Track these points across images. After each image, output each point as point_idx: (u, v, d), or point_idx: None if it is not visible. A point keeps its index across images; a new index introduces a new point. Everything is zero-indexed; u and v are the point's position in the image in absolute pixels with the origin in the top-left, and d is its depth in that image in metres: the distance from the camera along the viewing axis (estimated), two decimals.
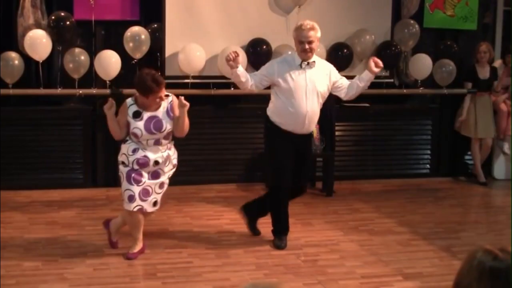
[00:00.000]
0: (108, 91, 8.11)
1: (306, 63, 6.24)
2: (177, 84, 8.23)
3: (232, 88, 8.42)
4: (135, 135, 5.91)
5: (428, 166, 9.53)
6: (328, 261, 6.20)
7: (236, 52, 6.15)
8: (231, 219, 7.39)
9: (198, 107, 8.63)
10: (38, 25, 7.98)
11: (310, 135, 6.61)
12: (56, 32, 7.90)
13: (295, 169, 6.38)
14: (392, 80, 9.04)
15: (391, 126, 9.30)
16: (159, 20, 8.26)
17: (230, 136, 8.78)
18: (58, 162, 8.42)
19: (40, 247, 6.40)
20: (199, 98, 8.51)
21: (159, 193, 6.07)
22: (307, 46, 6.15)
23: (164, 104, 5.96)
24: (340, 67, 8.55)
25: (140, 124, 5.88)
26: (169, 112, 5.97)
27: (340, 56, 8.56)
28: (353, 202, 8.16)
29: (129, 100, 5.99)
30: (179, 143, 8.47)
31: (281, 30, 8.47)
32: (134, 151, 5.92)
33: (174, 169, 6.20)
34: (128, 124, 5.95)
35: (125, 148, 5.99)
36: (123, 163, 5.98)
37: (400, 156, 9.41)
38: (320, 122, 8.42)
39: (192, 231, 6.97)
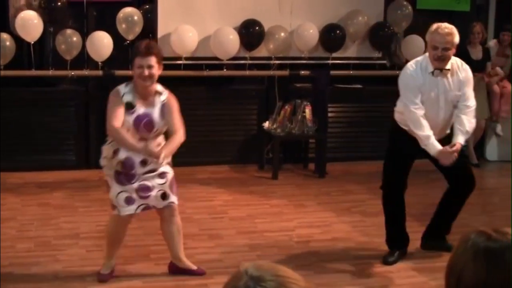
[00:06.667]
0: (100, 72, 8.08)
1: (439, 71, 5.49)
2: (169, 65, 8.20)
3: (225, 69, 8.42)
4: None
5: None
6: (320, 242, 6.22)
7: None
8: (224, 201, 7.40)
9: (190, 88, 8.65)
10: (29, 6, 7.94)
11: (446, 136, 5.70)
12: (48, 13, 7.86)
13: (450, 173, 5.78)
14: (384, 62, 9.03)
15: (384, 107, 9.25)
16: (152, 1, 8.22)
17: (223, 117, 8.77)
18: (51, 143, 8.39)
19: (33, 229, 6.40)
20: (191, 80, 8.51)
21: (163, 183, 5.26)
22: (440, 54, 5.38)
23: (158, 102, 5.24)
24: (333, 49, 8.59)
25: (130, 118, 5.13)
26: (162, 111, 5.24)
27: (333, 37, 8.54)
28: (346, 184, 8.17)
29: (122, 88, 5.18)
30: None
31: (274, 11, 8.43)
32: (115, 152, 5.15)
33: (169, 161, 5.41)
34: None
35: (106, 150, 5.23)
36: (107, 167, 5.24)
37: None
38: (313, 103, 8.49)
39: (185, 213, 6.94)
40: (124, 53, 8.11)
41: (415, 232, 6.31)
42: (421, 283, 5.50)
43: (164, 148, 5.14)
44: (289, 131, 8.44)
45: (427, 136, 5.45)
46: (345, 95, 9.10)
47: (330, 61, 8.69)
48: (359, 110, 9.23)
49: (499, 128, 9.38)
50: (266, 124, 8.48)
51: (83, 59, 8.11)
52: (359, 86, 9.11)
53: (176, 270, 5.48)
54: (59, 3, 7.86)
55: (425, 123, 5.47)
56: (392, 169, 5.84)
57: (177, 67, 8.22)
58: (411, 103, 5.53)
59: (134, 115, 5.14)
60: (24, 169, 8.17)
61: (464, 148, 9.35)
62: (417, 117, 5.49)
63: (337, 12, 8.66)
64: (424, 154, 5.67)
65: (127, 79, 8.39)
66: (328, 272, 5.61)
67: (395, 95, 9.30)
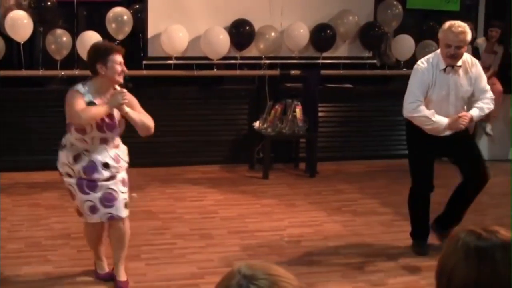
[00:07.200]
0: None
1: (451, 67, 5.62)
2: (160, 65, 8.22)
3: (215, 69, 8.41)
4: (82, 130, 4.98)
5: None
6: (311, 242, 6.22)
7: None
8: (215, 200, 7.39)
9: (181, 88, 8.65)
10: (19, 6, 7.91)
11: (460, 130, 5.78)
12: (38, 13, 7.83)
13: (465, 166, 5.95)
14: (375, 61, 9.04)
15: (374, 107, 9.31)
16: (142, 1, 8.21)
17: (214, 117, 8.77)
18: (41, 144, 8.36)
19: (24, 229, 6.38)
20: (182, 79, 8.50)
21: (126, 192, 5.15)
22: (453, 52, 5.51)
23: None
24: (323, 48, 8.60)
25: None
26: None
27: (323, 37, 8.54)
28: (337, 183, 8.18)
29: (80, 87, 5.00)
30: (163, 124, 8.46)
31: (265, 11, 8.43)
32: (76, 158, 5.03)
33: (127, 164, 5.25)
34: None
35: (64, 156, 5.08)
36: (68, 174, 5.08)
37: (383, 137, 9.43)
38: (303, 103, 8.50)
39: (175, 212, 6.97)
40: None
41: (406, 231, 6.33)
42: (411, 282, 5.51)
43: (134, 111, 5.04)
44: (279, 131, 8.44)
45: (431, 113, 5.60)
46: (336, 94, 9.11)
47: (320, 61, 8.70)
48: (350, 109, 9.24)
49: (489, 128, 9.40)
50: (257, 124, 8.48)
51: (73, 59, 8.09)
52: (349, 85, 9.12)
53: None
54: (49, 3, 7.84)
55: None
56: (417, 168, 5.98)
57: (168, 67, 8.21)
58: (414, 96, 5.66)
59: None
60: (14, 170, 8.14)
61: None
62: (415, 106, 5.63)
63: (327, 12, 8.66)
64: (441, 152, 5.91)
65: None
66: (319, 271, 5.62)
67: (385, 94, 9.38)
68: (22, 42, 7.84)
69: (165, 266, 5.62)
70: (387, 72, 9.12)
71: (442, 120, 5.63)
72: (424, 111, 5.63)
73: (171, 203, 7.28)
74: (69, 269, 5.50)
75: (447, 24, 5.62)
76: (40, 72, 8.04)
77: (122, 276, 5.28)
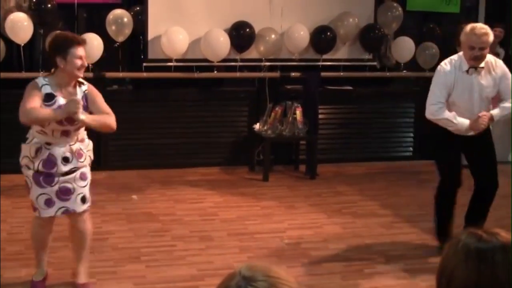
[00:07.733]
0: (90, 74, 8.06)
1: (473, 69, 5.68)
2: (160, 67, 8.22)
3: (215, 71, 8.41)
4: None
5: (411, 149, 9.56)
6: (311, 244, 6.22)
7: None
8: (215, 202, 7.39)
9: (181, 90, 8.65)
10: (19, 8, 7.92)
11: (483, 133, 5.83)
12: (38, 15, 7.84)
13: (476, 169, 6.02)
14: (375, 63, 9.04)
15: (374, 109, 9.31)
16: (142, 3, 8.21)
17: (214, 119, 8.76)
18: None
19: (23, 231, 6.37)
20: (182, 81, 8.50)
21: (84, 186, 5.04)
22: (477, 53, 5.57)
23: (79, 93, 4.95)
24: (323, 50, 8.60)
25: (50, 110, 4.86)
26: (85, 102, 4.93)
27: (323, 39, 8.55)
28: (337, 185, 8.18)
29: (40, 80, 4.92)
30: (163, 126, 8.48)
31: (265, 13, 8.44)
32: (37, 151, 4.96)
33: (90, 161, 5.17)
34: None
35: (27, 149, 5.03)
36: (27, 166, 5.03)
37: (383, 139, 9.43)
38: (304, 105, 8.50)
39: (175, 214, 6.96)
40: (114, 55, 8.11)
41: (406, 233, 6.34)
42: (411, 284, 5.51)
43: (91, 116, 4.91)
44: (279, 133, 8.44)
45: (453, 115, 5.66)
46: (336, 96, 9.11)
47: (320, 63, 8.70)
48: (350, 111, 9.24)
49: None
50: (257, 126, 8.48)
51: None
52: (349, 87, 9.12)
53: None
54: (49, 5, 7.84)
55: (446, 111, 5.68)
56: (445, 164, 5.99)
57: (168, 69, 8.21)
58: (435, 98, 5.72)
59: (55, 106, 4.86)
60: (13, 172, 8.10)
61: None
62: (437, 108, 5.69)
63: (327, 14, 8.66)
64: (473, 146, 5.88)
65: (117, 81, 8.49)
66: (319, 274, 5.62)
67: (386, 96, 9.38)
68: (22, 44, 7.84)
69: (165, 268, 5.62)
70: (387, 74, 9.12)
71: (464, 122, 5.67)
72: (445, 113, 5.68)
73: (171, 205, 7.27)
74: (68, 271, 5.49)
75: (469, 26, 5.65)
76: (41, 74, 8.01)
77: (83, 278, 5.21)
